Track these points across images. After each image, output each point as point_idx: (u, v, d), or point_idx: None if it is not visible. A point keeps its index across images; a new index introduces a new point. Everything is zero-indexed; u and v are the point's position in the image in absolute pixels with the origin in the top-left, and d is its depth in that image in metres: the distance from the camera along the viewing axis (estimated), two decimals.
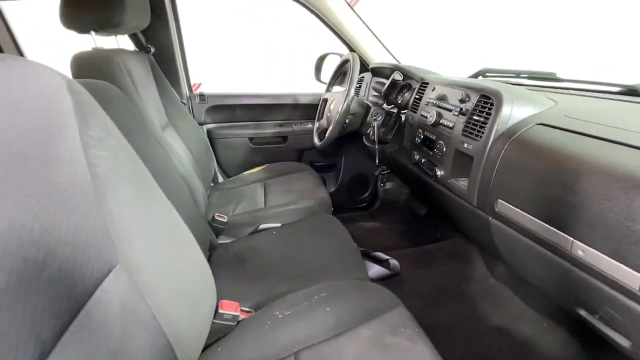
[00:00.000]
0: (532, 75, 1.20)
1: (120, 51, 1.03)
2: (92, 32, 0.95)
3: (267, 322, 0.73)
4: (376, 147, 1.29)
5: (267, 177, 1.50)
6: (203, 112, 1.67)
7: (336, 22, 1.52)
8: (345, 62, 1.36)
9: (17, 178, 0.30)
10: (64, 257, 0.34)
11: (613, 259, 0.48)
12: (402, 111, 1.32)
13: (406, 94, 1.27)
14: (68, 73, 0.78)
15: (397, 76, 1.19)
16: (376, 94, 1.50)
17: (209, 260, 0.93)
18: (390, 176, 1.83)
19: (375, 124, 1.28)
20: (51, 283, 0.32)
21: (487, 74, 1.32)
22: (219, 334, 0.71)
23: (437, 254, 1.32)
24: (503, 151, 0.69)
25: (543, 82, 1.16)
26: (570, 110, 0.70)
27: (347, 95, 1.15)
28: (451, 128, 0.87)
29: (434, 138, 0.95)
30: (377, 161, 1.31)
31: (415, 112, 1.11)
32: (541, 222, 0.60)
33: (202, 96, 1.65)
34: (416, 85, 1.19)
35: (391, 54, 1.63)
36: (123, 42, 1.14)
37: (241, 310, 0.75)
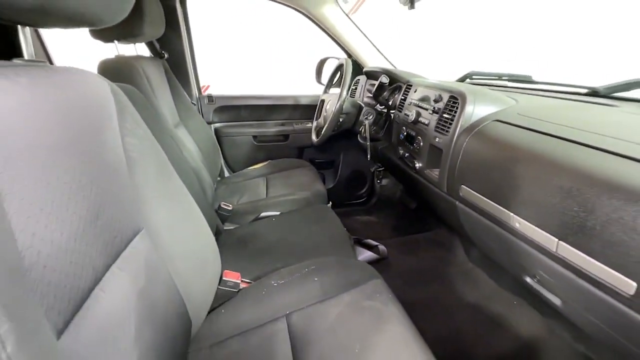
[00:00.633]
0: (512, 78, 1.31)
1: (139, 58, 1.17)
2: (115, 42, 1.10)
3: (263, 290, 0.85)
4: (368, 143, 1.41)
5: (269, 172, 1.63)
6: (211, 112, 1.81)
7: (334, 29, 1.65)
8: (340, 67, 1.49)
9: (82, 153, 0.43)
10: (108, 214, 0.47)
11: (539, 228, 0.60)
12: (392, 111, 1.44)
13: (396, 95, 1.39)
14: None
15: (384, 79, 1.31)
16: (370, 95, 1.63)
17: None
18: (386, 173, 1.95)
19: (366, 122, 1.40)
20: (101, 230, 0.45)
21: (473, 77, 1.43)
22: (223, 299, 0.84)
23: (422, 242, 1.43)
24: (465, 144, 0.81)
25: (520, 83, 1.26)
26: (525, 109, 0.82)
27: (340, 96, 1.27)
28: (427, 125, 0.99)
29: (414, 134, 1.07)
30: (368, 156, 1.42)
31: (401, 112, 1.23)
32: (492, 202, 0.71)
33: (210, 97, 1.79)
34: (403, 87, 1.31)
35: (385, 58, 1.75)
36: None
37: (242, 280, 0.88)
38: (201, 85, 1.82)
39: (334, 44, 1.73)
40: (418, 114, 1.05)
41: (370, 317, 0.74)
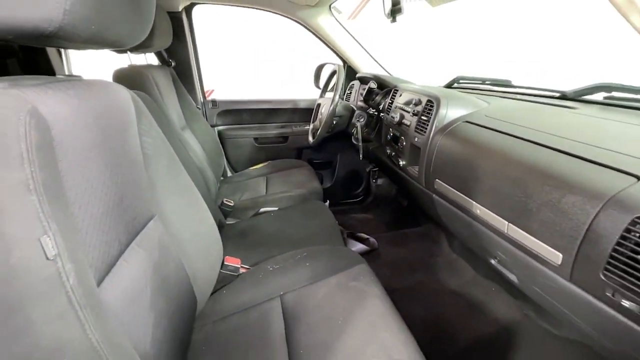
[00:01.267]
0: (493, 82, 1.41)
1: (149, 67, 1.29)
2: (128, 52, 1.22)
3: (261, 274, 0.96)
4: (360, 144, 1.51)
5: (269, 172, 1.74)
6: (215, 115, 1.93)
7: (329, 37, 1.76)
8: (334, 73, 1.60)
9: (111, 149, 0.54)
10: (129, 199, 0.58)
11: (493, 212, 0.70)
12: (382, 114, 1.54)
13: (387, 99, 1.49)
14: None
15: (372, 84, 1.42)
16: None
17: None
18: (381, 173, 2.05)
19: (358, 124, 1.50)
20: (124, 211, 0.56)
21: (460, 81, 1.53)
22: (224, 281, 0.94)
23: (411, 236, 1.53)
24: (439, 142, 0.91)
25: (501, 87, 1.36)
26: (492, 112, 0.92)
27: (332, 100, 1.38)
28: (409, 126, 1.09)
29: (398, 135, 1.18)
30: (361, 156, 1.53)
31: (388, 114, 1.33)
32: (459, 193, 0.81)
33: (214, 102, 1.92)
34: (391, 92, 1.41)
35: (378, 64, 1.85)
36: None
37: (241, 266, 0.98)
38: (206, 89, 1.94)
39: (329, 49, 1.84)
40: (402, 116, 1.15)
41: (353, 295, 0.83)
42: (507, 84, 1.35)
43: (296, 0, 1.54)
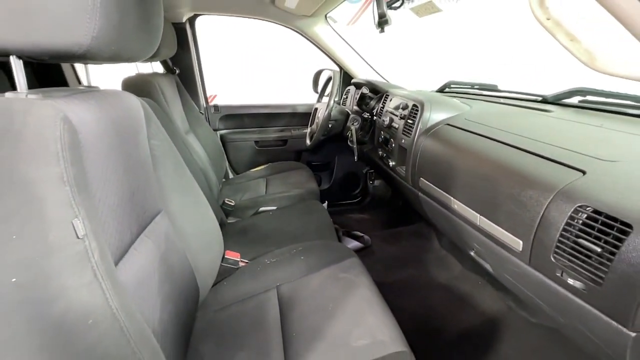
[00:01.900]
0: (481, 87, 1.48)
1: (155, 75, 1.38)
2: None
3: (259, 267, 1.03)
4: (354, 146, 1.58)
5: (269, 174, 1.82)
6: (217, 120, 2.02)
7: (326, 45, 1.85)
8: (330, 78, 1.68)
9: (125, 151, 0.62)
10: (140, 194, 0.65)
11: (467, 207, 0.77)
12: (375, 117, 1.62)
13: (380, 104, 1.57)
14: None
15: (365, 90, 1.50)
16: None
17: None
18: (378, 175, 2.12)
19: (353, 127, 1.58)
20: (136, 205, 0.63)
21: (451, 85, 1.61)
22: (225, 274, 1.01)
23: (404, 234, 1.60)
24: (422, 144, 0.98)
25: (488, 91, 1.43)
26: (472, 115, 0.99)
27: (327, 105, 1.45)
28: (397, 129, 1.16)
29: (388, 137, 1.25)
30: (356, 158, 1.60)
31: (380, 118, 1.41)
32: (440, 190, 0.88)
33: (216, 107, 2.01)
34: (383, 97, 1.49)
35: (373, 69, 1.93)
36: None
37: (241, 260, 1.05)
38: (209, 95, 2.03)
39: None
40: (391, 120, 1.23)
41: (343, 285, 0.90)
42: (493, 89, 1.42)
43: (293, 10, 1.62)
